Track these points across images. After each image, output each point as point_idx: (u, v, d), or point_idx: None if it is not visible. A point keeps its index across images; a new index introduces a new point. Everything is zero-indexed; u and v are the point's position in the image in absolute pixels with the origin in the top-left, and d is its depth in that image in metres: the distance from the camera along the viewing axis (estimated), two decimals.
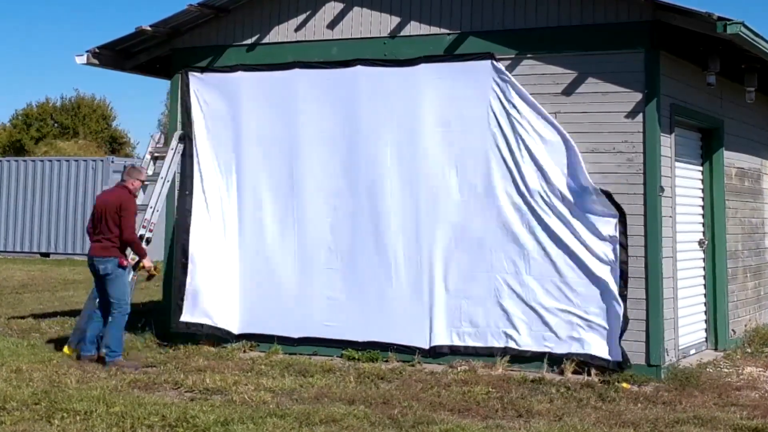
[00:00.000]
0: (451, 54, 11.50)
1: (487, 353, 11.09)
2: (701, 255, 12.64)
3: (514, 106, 11.09)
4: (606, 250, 10.69)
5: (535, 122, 11.00)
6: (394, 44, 11.78)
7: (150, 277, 11.92)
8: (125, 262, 11.31)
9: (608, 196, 10.63)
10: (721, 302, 12.66)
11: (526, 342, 10.97)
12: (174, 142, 12.60)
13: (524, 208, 11.07)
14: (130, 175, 11.60)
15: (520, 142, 11.06)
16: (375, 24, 11.91)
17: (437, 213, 11.45)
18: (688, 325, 11.85)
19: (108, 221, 11.24)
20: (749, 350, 12.50)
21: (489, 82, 11.25)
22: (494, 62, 11.24)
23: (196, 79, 12.76)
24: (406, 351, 11.43)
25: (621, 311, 10.50)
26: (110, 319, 11.22)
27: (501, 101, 11.16)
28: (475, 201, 11.29)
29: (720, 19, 9.97)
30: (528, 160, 11.04)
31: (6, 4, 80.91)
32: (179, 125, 12.80)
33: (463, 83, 11.38)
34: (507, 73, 11.16)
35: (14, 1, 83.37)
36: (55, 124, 53.69)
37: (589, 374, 10.48)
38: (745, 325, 13.41)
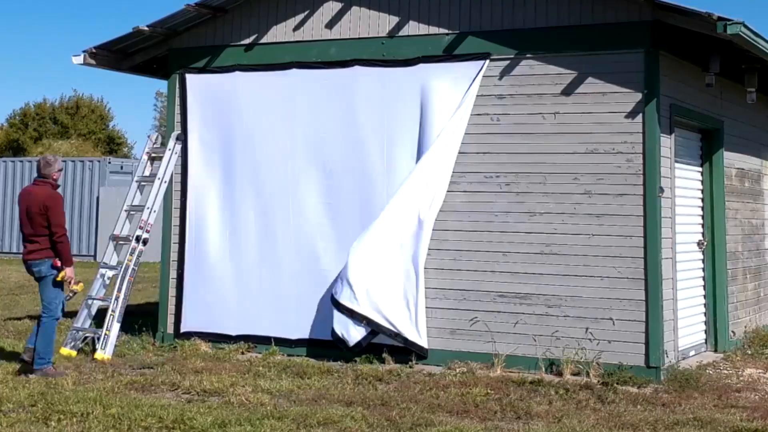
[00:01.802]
0: (449, 54, 11.45)
1: (486, 354, 11.03)
2: (701, 256, 12.59)
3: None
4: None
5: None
6: (392, 44, 11.74)
7: (72, 294, 10.88)
8: (59, 263, 10.55)
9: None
10: (720, 303, 12.61)
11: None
12: (171, 143, 12.55)
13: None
14: (50, 166, 10.74)
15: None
16: (373, 24, 11.86)
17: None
18: (687, 327, 11.81)
19: (35, 221, 10.50)
20: (749, 352, 12.45)
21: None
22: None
23: (193, 80, 12.72)
24: (403, 352, 11.36)
25: None
26: (40, 324, 10.56)
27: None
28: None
29: (720, 19, 9.92)
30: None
31: (3, 4, 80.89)
32: (176, 126, 12.76)
33: (462, 83, 11.33)
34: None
35: (11, 1, 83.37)
36: (54, 125, 53.69)
37: (588, 376, 10.42)
38: (745, 327, 13.35)
